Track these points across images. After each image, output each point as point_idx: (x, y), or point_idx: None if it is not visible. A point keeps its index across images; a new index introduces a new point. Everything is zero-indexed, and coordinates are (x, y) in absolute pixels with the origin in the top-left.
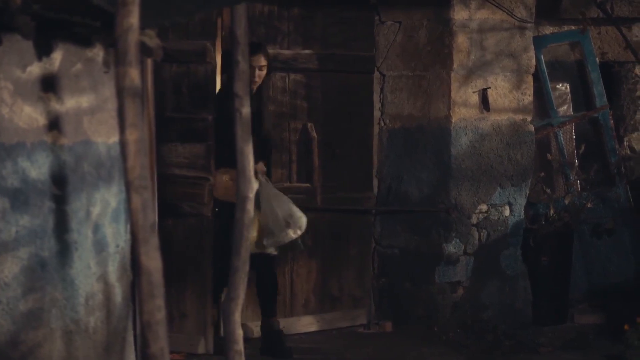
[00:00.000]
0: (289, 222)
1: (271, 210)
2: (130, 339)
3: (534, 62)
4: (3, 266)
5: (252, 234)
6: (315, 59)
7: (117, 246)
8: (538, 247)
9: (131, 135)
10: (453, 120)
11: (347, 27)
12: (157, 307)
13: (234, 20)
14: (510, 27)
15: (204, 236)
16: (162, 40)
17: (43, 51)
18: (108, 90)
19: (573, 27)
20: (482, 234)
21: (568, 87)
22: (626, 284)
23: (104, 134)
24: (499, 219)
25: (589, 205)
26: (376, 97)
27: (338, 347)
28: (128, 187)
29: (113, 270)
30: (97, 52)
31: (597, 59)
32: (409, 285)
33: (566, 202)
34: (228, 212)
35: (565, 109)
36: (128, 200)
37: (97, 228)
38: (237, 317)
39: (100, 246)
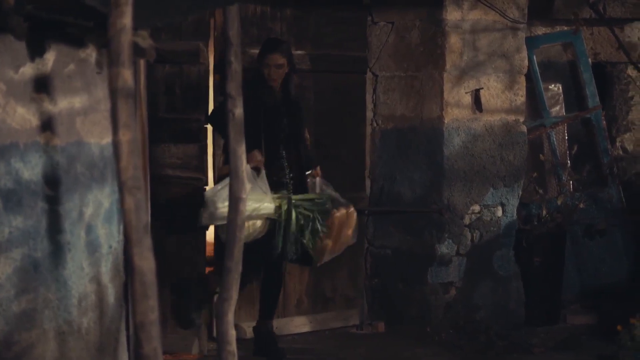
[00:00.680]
0: None
1: None
2: (123, 339)
3: (526, 62)
4: None
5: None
6: (308, 60)
7: (110, 247)
8: (531, 248)
9: (124, 136)
10: (445, 121)
11: (339, 28)
12: (150, 308)
13: (226, 21)
14: (502, 28)
15: (198, 236)
16: (155, 41)
17: (36, 52)
18: (101, 91)
19: (565, 28)
20: (474, 234)
21: (560, 87)
22: (618, 284)
23: (97, 134)
24: (491, 219)
25: (581, 205)
26: (369, 98)
27: (331, 348)
28: (121, 187)
29: (106, 271)
30: (90, 53)
31: (590, 60)
32: (402, 286)
33: (559, 202)
34: None
35: (557, 109)
36: (121, 201)
37: (90, 229)
38: (230, 317)
39: (93, 247)
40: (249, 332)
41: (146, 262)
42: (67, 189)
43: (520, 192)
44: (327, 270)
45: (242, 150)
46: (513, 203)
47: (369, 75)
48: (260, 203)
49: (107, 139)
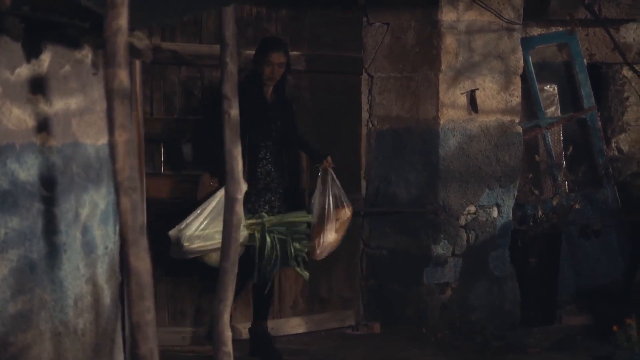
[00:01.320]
0: None
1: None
2: (119, 340)
3: (521, 63)
4: None
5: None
6: (303, 60)
7: (106, 248)
8: (526, 249)
9: (120, 137)
10: (441, 122)
11: (335, 29)
12: (146, 309)
13: (222, 22)
14: (498, 29)
15: None
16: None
17: (32, 53)
18: (97, 92)
19: (561, 29)
20: (470, 235)
21: (556, 88)
22: (614, 285)
23: (93, 135)
24: (487, 220)
25: (576, 206)
26: (364, 99)
27: (327, 349)
28: (117, 188)
29: (102, 272)
30: (86, 54)
31: (585, 60)
32: (398, 287)
33: (554, 203)
34: None
35: (553, 110)
36: (117, 202)
37: (86, 230)
38: (226, 318)
39: (89, 248)
40: (244, 333)
41: (142, 262)
42: (63, 190)
43: (516, 193)
44: (322, 271)
45: (238, 151)
46: (508, 204)
47: (364, 76)
48: None
49: (103, 140)
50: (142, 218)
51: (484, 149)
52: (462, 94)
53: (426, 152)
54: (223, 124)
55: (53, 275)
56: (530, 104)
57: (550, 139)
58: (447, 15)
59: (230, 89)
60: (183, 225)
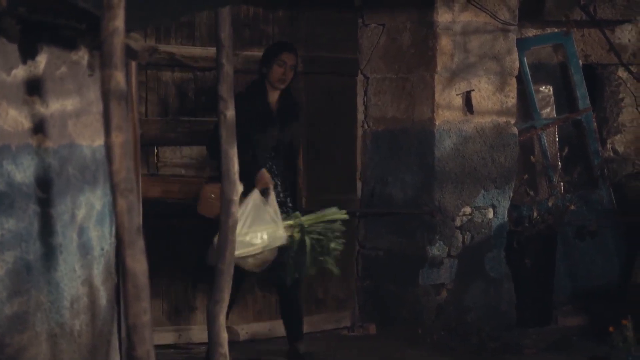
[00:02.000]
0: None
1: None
2: (115, 342)
3: (517, 64)
4: None
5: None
6: (299, 62)
7: (102, 249)
8: (522, 250)
9: (117, 138)
10: (437, 123)
11: (331, 30)
12: (143, 310)
13: (218, 23)
14: (493, 30)
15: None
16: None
17: (28, 54)
18: (93, 93)
19: (556, 30)
20: (465, 236)
21: (551, 89)
22: (610, 286)
23: (89, 137)
24: (482, 221)
25: (572, 207)
26: (360, 100)
27: (323, 350)
28: (114, 190)
29: (98, 273)
30: (82, 55)
31: (580, 61)
32: (393, 288)
33: (549, 204)
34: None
35: (548, 111)
36: (114, 203)
37: (82, 231)
38: (222, 320)
39: (85, 249)
40: (241, 335)
41: (139, 264)
42: (59, 191)
43: (511, 194)
44: (318, 272)
45: (233, 152)
46: (504, 205)
47: (360, 77)
48: (272, 235)
49: (99, 141)
50: (138, 219)
51: (480, 150)
52: (457, 95)
53: (422, 153)
54: (219, 124)
55: (49, 276)
56: (525, 105)
57: (545, 140)
58: (443, 17)
59: (226, 90)
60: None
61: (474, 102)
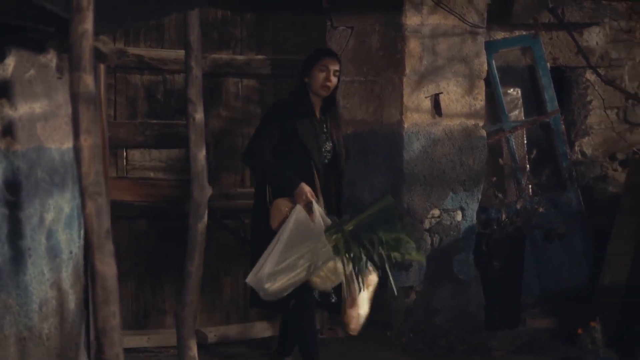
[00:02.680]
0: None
1: None
2: (83, 345)
3: (485, 67)
4: None
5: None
6: (268, 64)
7: (71, 252)
8: (490, 252)
9: (85, 141)
10: (405, 126)
11: (300, 33)
12: (112, 313)
13: (186, 26)
14: (462, 32)
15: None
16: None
17: None
18: (62, 96)
19: (524, 32)
20: (434, 238)
21: (519, 92)
22: (578, 288)
23: (58, 140)
24: (451, 223)
25: (540, 209)
26: None
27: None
28: (82, 193)
29: (67, 276)
30: (51, 58)
31: (549, 64)
32: None
33: (518, 206)
34: None
35: (516, 113)
36: (82, 206)
37: (50, 234)
38: (191, 323)
39: (54, 252)
40: (210, 338)
41: (108, 267)
42: (28, 194)
43: (480, 196)
44: None
45: (202, 155)
46: (473, 207)
47: None
48: (316, 252)
49: (68, 144)
50: (107, 222)
51: (448, 153)
52: (426, 97)
53: (390, 156)
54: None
55: (18, 279)
56: (494, 108)
57: (514, 143)
58: (411, 19)
59: (195, 92)
60: (258, 267)
61: (442, 104)
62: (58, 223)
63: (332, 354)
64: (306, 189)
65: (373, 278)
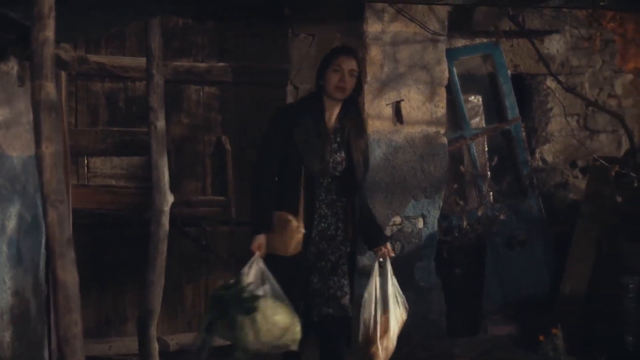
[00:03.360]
0: None
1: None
2: (45, 353)
3: (446, 74)
4: None
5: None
6: (229, 72)
7: (32, 260)
8: (451, 259)
9: (47, 149)
10: (367, 133)
11: (261, 40)
12: (73, 321)
13: (148, 33)
14: (423, 40)
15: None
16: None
17: None
18: (23, 104)
19: (485, 40)
20: (396, 246)
21: (480, 99)
22: (540, 295)
23: (19, 147)
24: (412, 231)
25: (501, 217)
26: None
27: None
28: (44, 201)
29: (28, 284)
30: (12, 66)
31: (510, 72)
32: None
33: (479, 213)
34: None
35: (477, 121)
36: (44, 214)
37: (12, 242)
38: (153, 331)
39: (15, 260)
40: (171, 345)
41: (70, 275)
42: None
43: (441, 204)
44: None
45: (164, 162)
46: (434, 214)
47: (289, 87)
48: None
49: (30, 152)
50: (69, 230)
51: (410, 160)
52: (387, 105)
53: None
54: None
55: None
56: (455, 115)
57: (475, 150)
58: (372, 27)
59: (156, 100)
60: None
61: (403, 112)
62: (19, 231)
63: None
64: (254, 244)
65: (402, 313)
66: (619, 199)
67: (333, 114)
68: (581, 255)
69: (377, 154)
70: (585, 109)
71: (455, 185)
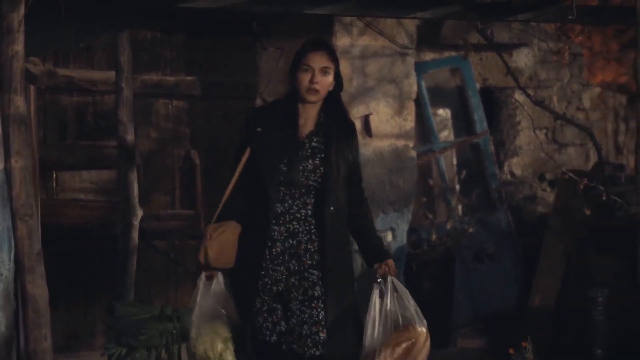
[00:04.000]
0: None
1: None
2: None
3: (415, 88)
4: None
5: None
6: (198, 86)
7: (1, 275)
8: (420, 272)
9: (17, 163)
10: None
11: (229, 54)
12: (43, 336)
13: (117, 47)
14: (391, 54)
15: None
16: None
17: None
18: None
19: (454, 53)
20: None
21: (449, 112)
22: (509, 308)
23: None
24: None
25: (470, 230)
26: None
27: None
28: (13, 215)
29: None
30: None
31: (478, 85)
32: None
33: (448, 227)
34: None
35: (446, 134)
36: (13, 228)
37: None
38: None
39: None
40: None
41: (39, 289)
42: None
43: (410, 217)
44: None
45: (133, 176)
46: (403, 228)
47: (258, 101)
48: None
49: None
50: (38, 245)
51: (378, 174)
52: (356, 118)
53: None
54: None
55: None
56: (423, 129)
57: (443, 163)
58: (341, 40)
59: (125, 114)
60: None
61: (372, 125)
62: None
63: None
64: (202, 253)
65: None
66: (588, 212)
67: (309, 117)
68: (550, 268)
69: None
70: (553, 123)
71: (424, 199)
